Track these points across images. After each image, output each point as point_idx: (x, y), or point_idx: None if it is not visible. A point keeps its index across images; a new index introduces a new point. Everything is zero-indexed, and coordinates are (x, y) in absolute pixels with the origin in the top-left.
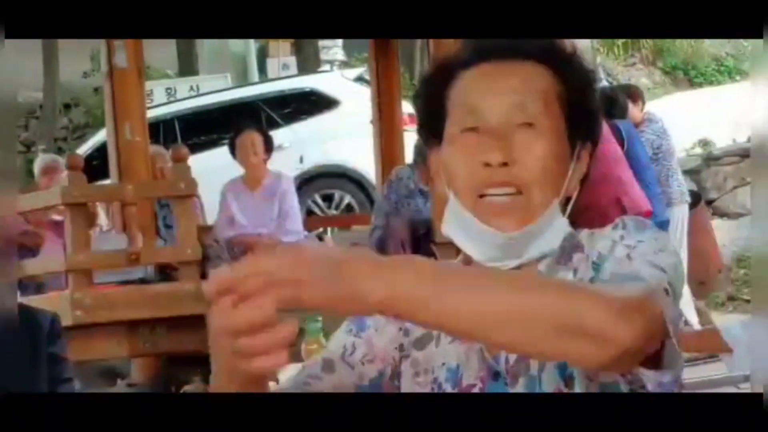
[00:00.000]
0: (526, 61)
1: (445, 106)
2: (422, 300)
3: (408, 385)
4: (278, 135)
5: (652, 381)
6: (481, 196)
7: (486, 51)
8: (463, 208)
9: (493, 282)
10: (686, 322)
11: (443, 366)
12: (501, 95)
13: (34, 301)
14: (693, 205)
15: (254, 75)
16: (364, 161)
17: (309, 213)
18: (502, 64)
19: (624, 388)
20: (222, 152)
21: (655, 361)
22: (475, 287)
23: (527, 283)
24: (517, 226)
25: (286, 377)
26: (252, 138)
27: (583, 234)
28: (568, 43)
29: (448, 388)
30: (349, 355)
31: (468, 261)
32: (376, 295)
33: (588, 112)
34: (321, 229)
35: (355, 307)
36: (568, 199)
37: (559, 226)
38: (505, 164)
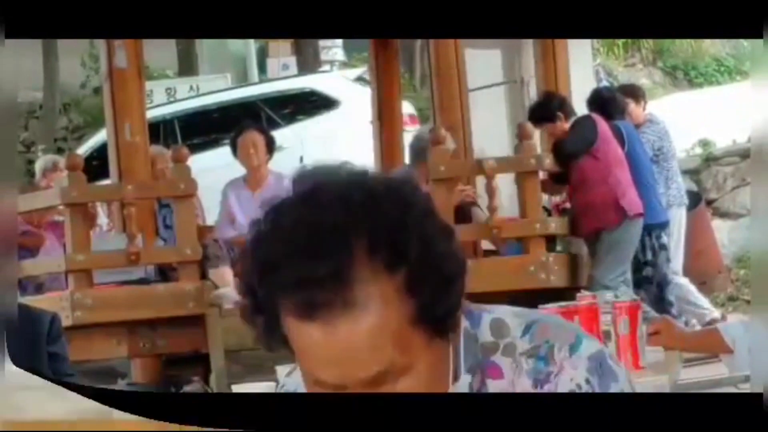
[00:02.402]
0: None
1: None
2: None
3: None
4: (278, 135)
5: None
6: None
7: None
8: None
9: None
10: (686, 323)
11: None
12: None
13: (34, 301)
14: (693, 205)
15: (254, 75)
16: (364, 161)
17: None
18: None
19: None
20: (222, 152)
21: None
22: None
23: None
24: None
25: None
26: (253, 138)
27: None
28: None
29: None
30: None
31: None
32: None
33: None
34: None
35: None
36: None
37: None
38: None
